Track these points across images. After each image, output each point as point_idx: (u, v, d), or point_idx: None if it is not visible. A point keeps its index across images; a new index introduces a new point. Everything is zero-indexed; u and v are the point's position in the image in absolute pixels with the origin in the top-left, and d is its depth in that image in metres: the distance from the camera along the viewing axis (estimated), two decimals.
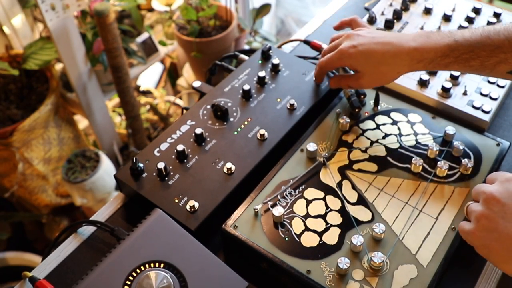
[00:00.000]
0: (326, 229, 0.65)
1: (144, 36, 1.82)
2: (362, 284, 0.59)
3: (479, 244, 0.55)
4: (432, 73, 0.87)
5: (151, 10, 1.96)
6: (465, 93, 0.84)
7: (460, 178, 0.71)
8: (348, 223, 0.65)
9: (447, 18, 0.99)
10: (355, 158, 0.74)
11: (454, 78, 0.86)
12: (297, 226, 0.65)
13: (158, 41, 1.84)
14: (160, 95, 2.11)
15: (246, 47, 1.89)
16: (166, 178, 0.71)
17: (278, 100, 0.83)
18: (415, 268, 0.61)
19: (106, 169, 1.67)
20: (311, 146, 0.73)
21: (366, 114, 0.81)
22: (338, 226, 0.65)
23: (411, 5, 1.04)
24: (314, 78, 0.85)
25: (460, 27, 0.96)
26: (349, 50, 0.72)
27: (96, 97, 1.74)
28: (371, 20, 0.99)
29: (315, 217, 0.66)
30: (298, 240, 0.64)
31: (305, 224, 0.65)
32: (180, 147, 0.73)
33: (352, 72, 0.78)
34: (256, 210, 0.66)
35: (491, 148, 0.74)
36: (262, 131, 0.77)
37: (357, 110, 0.80)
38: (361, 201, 0.68)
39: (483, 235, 0.53)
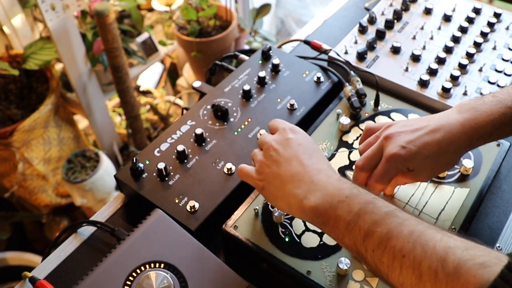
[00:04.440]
0: None
1: (144, 36, 1.82)
2: (362, 284, 0.59)
3: (261, 187, 0.61)
4: (432, 73, 0.87)
5: (151, 10, 1.96)
6: (465, 94, 0.84)
7: (460, 179, 0.71)
8: None
9: (447, 18, 0.99)
10: (356, 158, 0.74)
11: (454, 79, 0.86)
12: (297, 226, 0.65)
13: (158, 41, 1.84)
14: (160, 95, 2.11)
15: (246, 47, 1.89)
16: (166, 178, 0.71)
17: (278, 100, 0.83)
18: None
19: (106, 169, 1.67)
20: None
21: (366, 114, 0.81)
22: None
23: (411, 5, 1.04)
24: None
25: (460, 27, 0.96)
26: (400, 152, 0.59)
27: (96, 97, 1.74)
28: (371, 20, 0.99)
29: None
30: (298, 240, 0.63)
31: (305, 225, 0.65)
32: (180, 147, 0.73)
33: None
34: (256, 211, 0.66)
35: (491, 148, 0.74)
36: (262, 131, 0.77)
37: (357, 110, 0.80)
38: None
39: (263, 178, 0.60)
